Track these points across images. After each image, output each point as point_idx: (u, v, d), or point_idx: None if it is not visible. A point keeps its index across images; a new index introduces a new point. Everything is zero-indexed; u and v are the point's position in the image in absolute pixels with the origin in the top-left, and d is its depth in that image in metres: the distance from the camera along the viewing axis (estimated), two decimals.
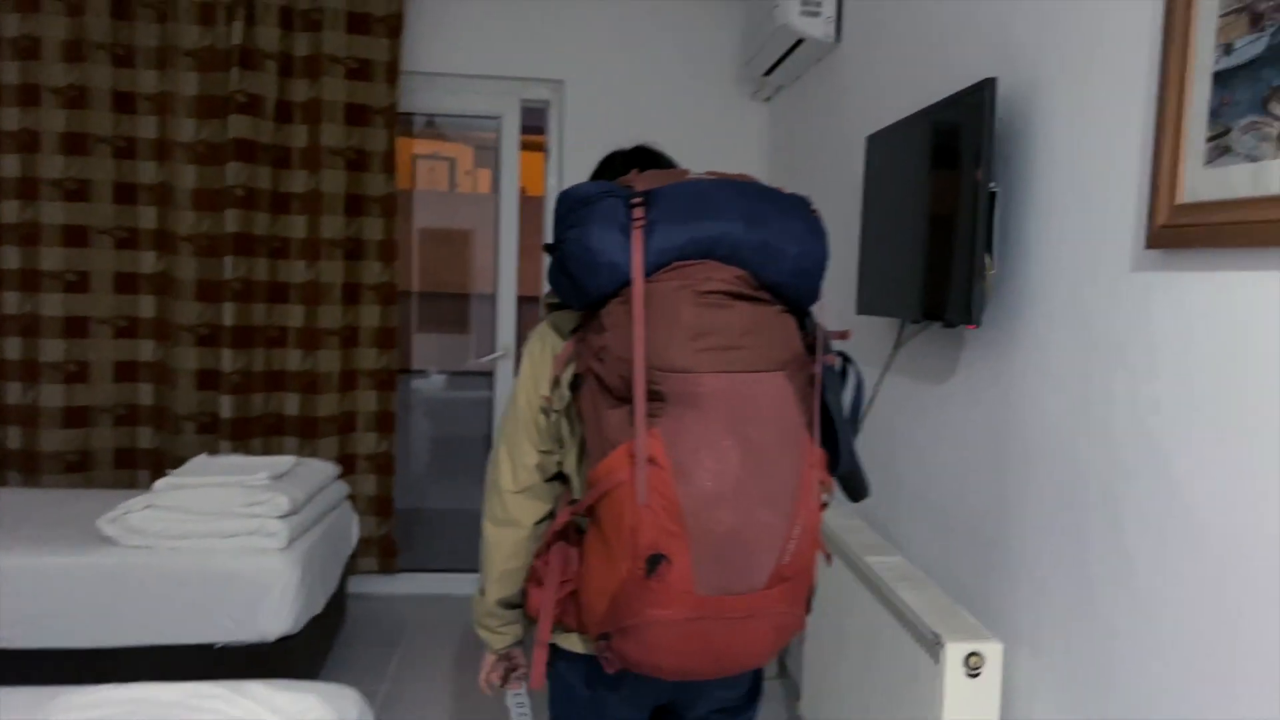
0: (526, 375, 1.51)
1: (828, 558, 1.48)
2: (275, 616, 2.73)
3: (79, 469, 3.86)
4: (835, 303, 2.94)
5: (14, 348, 3.77)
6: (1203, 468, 1.25)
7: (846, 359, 1.49)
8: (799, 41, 3.06)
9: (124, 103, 3.76)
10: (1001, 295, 1.83)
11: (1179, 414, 1.30)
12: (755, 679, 1.64)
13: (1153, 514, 1.35)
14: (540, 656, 1.48)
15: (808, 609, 1.41)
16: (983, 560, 1.89)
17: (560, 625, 1.48)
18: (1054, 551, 1.62)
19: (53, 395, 3.79)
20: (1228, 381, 1.21)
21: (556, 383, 1.47)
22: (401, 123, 4.29)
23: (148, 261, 3.84)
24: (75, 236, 3.76)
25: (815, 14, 2.92)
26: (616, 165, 1.69)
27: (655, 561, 1.26)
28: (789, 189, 3.60)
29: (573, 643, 1.50)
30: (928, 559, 2.16)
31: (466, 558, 4.40)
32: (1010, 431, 1.79)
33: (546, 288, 1.51)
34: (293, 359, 3.89)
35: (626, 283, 1.30)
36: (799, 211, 1.36)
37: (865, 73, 2.73)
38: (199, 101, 3.73)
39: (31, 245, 3.74)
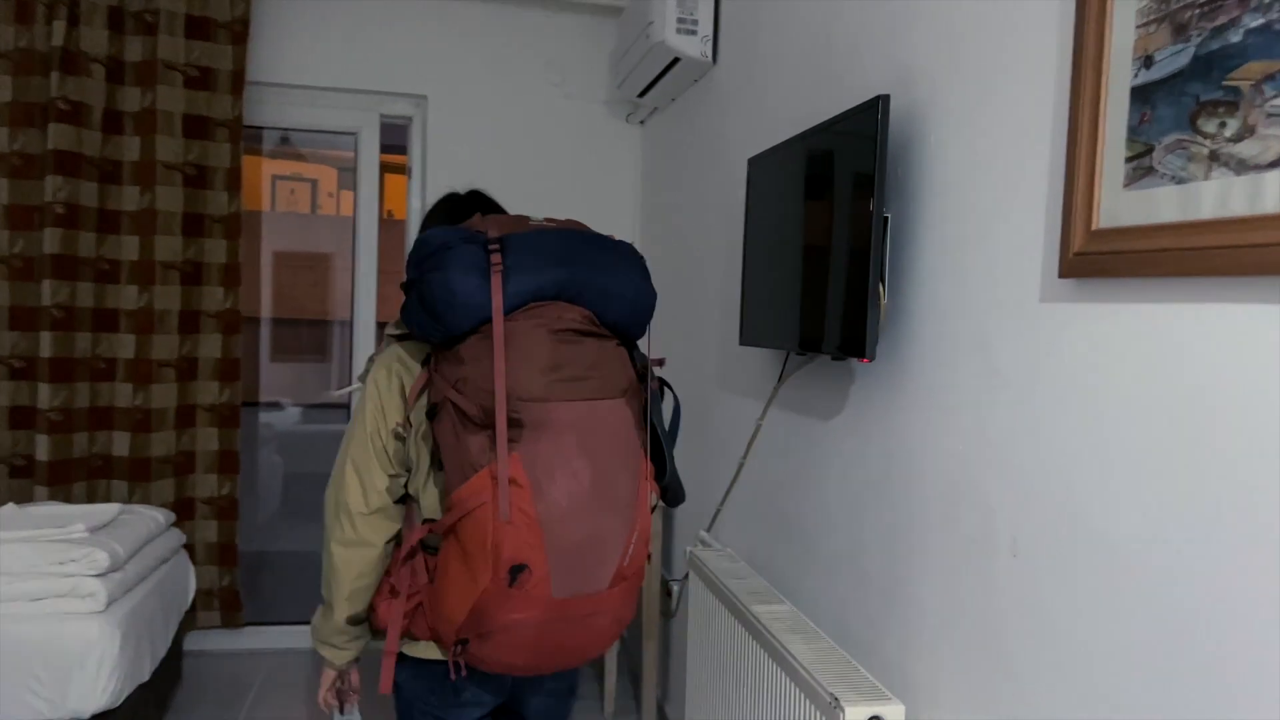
0: (374, 403, 1.60)
1: (649, 558, 1.63)
2: (91, 691, 2.40)
3: None
4: (717, 333, 2.81)
5: None
6: (1119, 508, 1.15)
7: (665, 383, 1.69)
8: (675, 61, 2.94)
9: None
10: (895, 326, 1.72)
11: (1093, 452, 1.20)
12: (576, 673, 1.82)
13: (1064, 556, 1.24)
14: (389, 664, 1.59)
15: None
16: (879, 608, 1.77)
17: (408, 635, 1.61)
18: (955, 597, 1.50)
19: None
20: (1147, 418, 1.11)
21: (407, 411, 1.58)
22: (251, 138, 3.98)
23: None
24: None
25: (692, 32, 2.81)
26: (453, 207, 1.81)
27: (517, 571, 1.41)
28: (667, 214, 3.48)
29: (421, 650, 1.62)
30: (819, 608, 2.03)
31: None
32: (905, 469, 1.68)
33: (395, 319, 1.65)
34: (122, 394, 3.51)
35: (485, 320, 1.43)
36: (633, 260, 1.58)
37: (744, 93, 2.63)
38: (13, 108, 3.34)
39: None
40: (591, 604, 1.48)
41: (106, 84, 3.41)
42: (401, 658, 1.64)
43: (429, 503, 1.60)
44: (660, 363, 1.64)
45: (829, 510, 1.99)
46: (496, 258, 1.44)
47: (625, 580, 1.52)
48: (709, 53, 2.85)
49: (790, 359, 2.22)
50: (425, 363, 1.58)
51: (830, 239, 1.79)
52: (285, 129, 3.87)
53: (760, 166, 2.19)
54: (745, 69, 2.63)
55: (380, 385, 1.61)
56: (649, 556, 1.59)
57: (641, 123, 3.91)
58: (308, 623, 3.98)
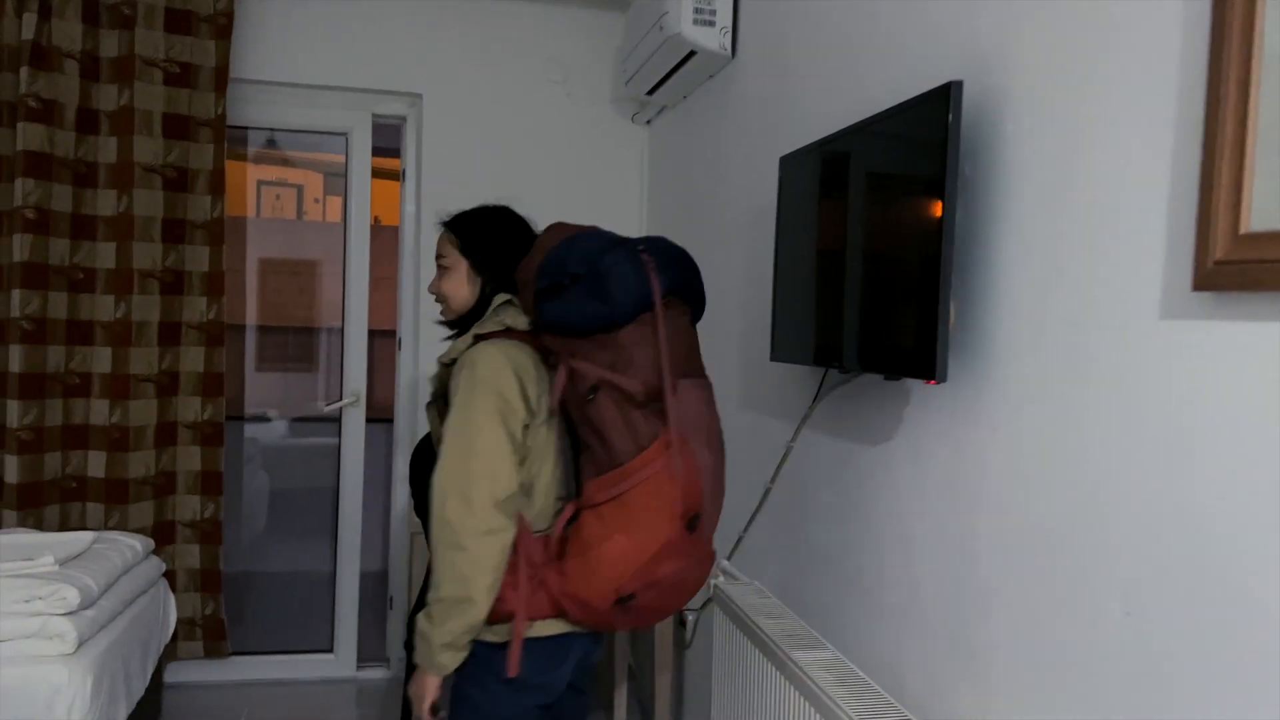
0: (497, 400, 1.70)
1: None
2: None
3: None
4: (738, 347, 2.62)
5: None
6: (1267, 568, 0.96)
7: None
8: (690, 55, 2.75)
9: None
10: (963, 344, 1.53)
11: (1232, 501, 1.01)
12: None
13: (1191, 618, 1.05)
14: (517, 647, 1.72)
15: None
16: (943, 661, 1.58)
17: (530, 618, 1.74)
18: (1044, 657, 1.31)
19: None
20: None
21: (530, 403, 1.74)
22: (236, 142, 3.78)
23: None
24: None
25: (710, 23, 2.62)
26: (511, 220, 2.05)
27: (695, 519, 1.69)
28: (677, 219, 3.28)
29: (537, 629, 1.76)
30: (866, 655, 1.84)
31: (313, 632, 3.87)
32: (973, 506, 1.49)
33: (487, 323, 1.83)
34: (98, 410, 3.29)
35: (644, 309, 1.67)
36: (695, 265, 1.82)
37: (768, 87, 2.44)
38: None
39: None
40: (709, 551, 1.79)
41: (80, 80, 3.20)
42: (502, 645, 1.75)
43: (544, 485, 1.78)
44: None
45: (878, 547, 1.80)
46: (647, 258, 1.68)
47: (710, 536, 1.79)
48: (728, 45, 2.66)
49: (828, 377, 2.03)
50: (545, 362, 1.79)
51: (885, 245, 1.60)
52: (272, 129, 3.66)
53: (794, 165, 2.00)
54: (770, 61, 2.44)
55: (502, 376, 1.71)
56: None
57: (648, 122, 3.72)
58: (298, 652, 3.77)
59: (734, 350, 2.65)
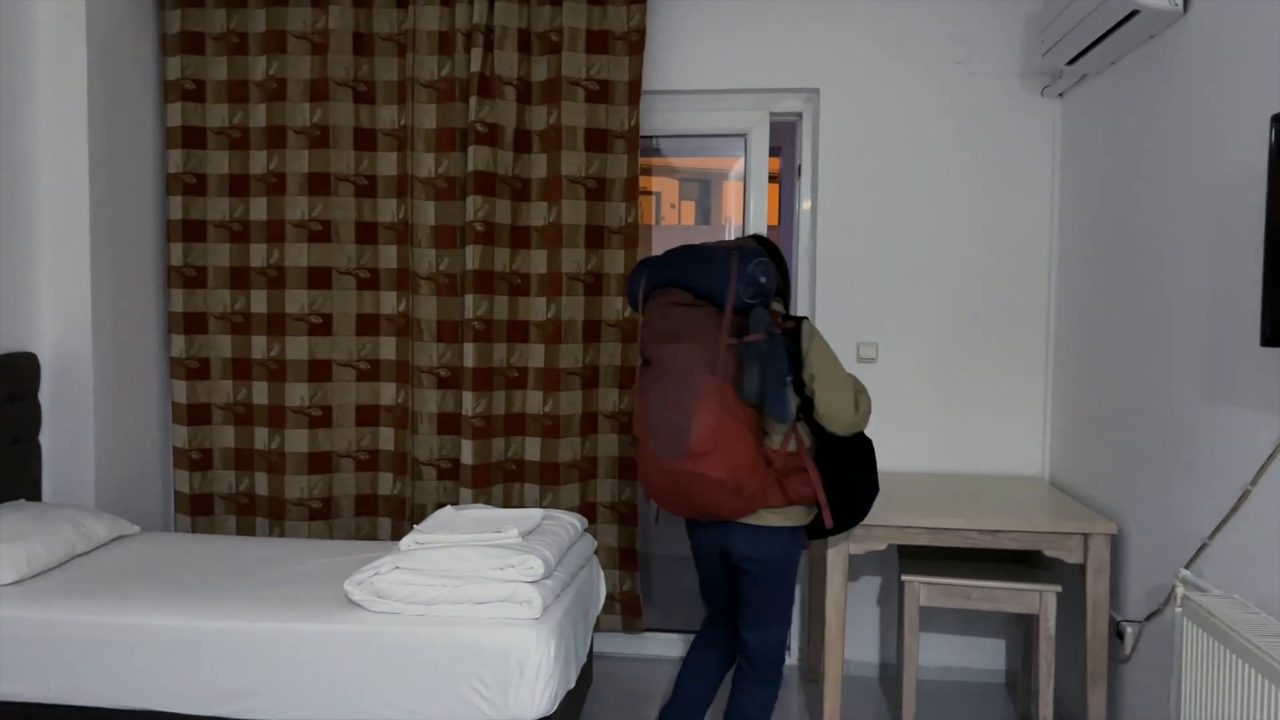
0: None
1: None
2: (530, 698, 2.43)
3: (322, 516, 3.77)
4: (1200, 333, 2.35)
5: (261, 392, 3.74)
6: None
7: (784, 330, 2.45)
8: (1130, 15, 2.52)
9: (364, 140, 3.68)
10: None
11: None
12: (764, 569, 2.55)
13: None
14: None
15: (739, 485, 2.37)
16: None
17: None
18: None
19: (297, 440, 3.72)
20: None
21: None
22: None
23: (389, 302, 3.73)
24: (319, 278, 3.70)
25: None
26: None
27: (634, 441, 2.71)
28: (1101, 195, 3.02)
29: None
30: None
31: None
32: None
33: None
34: (533, 401, 3.65)
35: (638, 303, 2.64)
36: (719, 260, 2.43)
37: (1231, 41, 2.17)
38: (438, 134, 3.58)
39: (277, 288, 3.70)
40: (678, 465, 2.36)
41: (517, 104, 3.56)
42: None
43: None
44: (784, 318, 2.47)
45: None
46: (643, 266, 2.60)
47: (697, 456, 2.33)
48: (1180, 1, 2.40)
49: None
50: None
51: None
52: (676, 134, 3.85)
53: None
54: (1236, 9, 2.17)
55: None
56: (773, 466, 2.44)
57: (1060, 95, 3.47)
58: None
59: (1195, 337, 2.39)
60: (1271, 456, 1.99)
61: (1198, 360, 2.36)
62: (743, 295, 2.37)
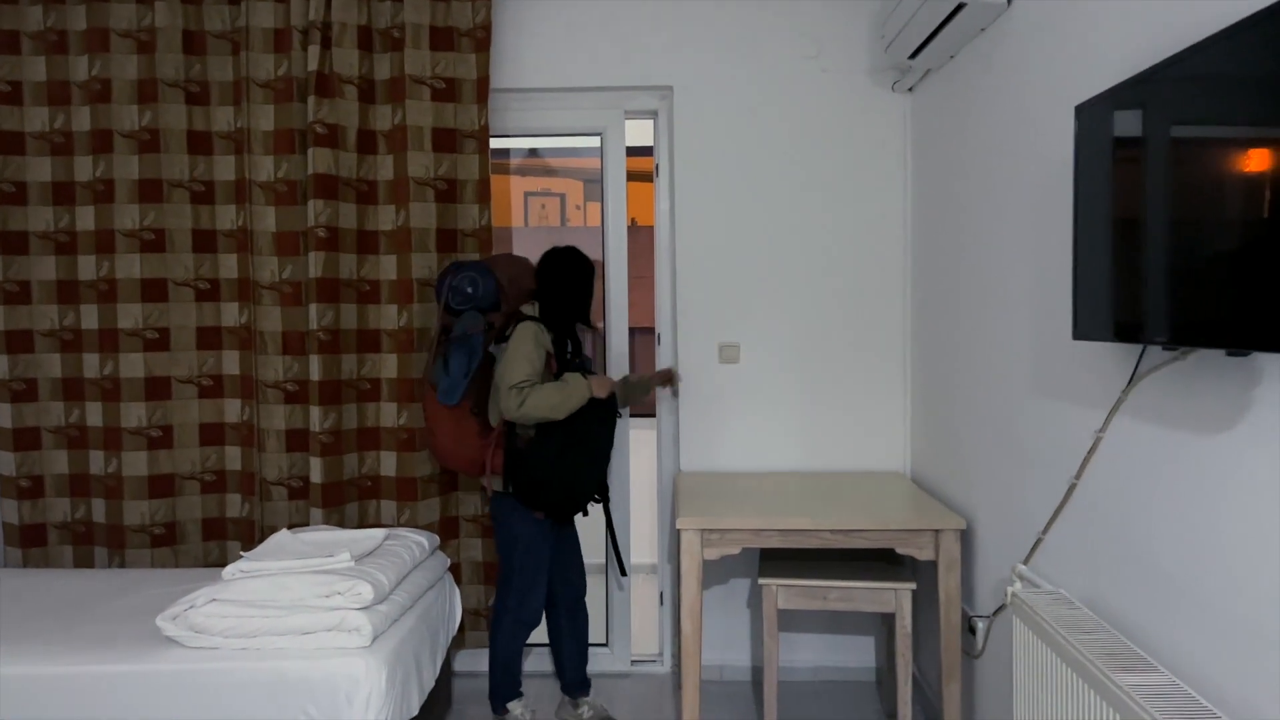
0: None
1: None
2: None
3: (166, 542, 3.55)
4: (1027, 327, 2.35)
5: (95, 413, 3.51)
6: None
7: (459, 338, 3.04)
8: (957, 9, 2.51)
9: (199, 143, 3.48)
10: None
11: None
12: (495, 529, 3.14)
13: None
14: None
15: (450, 453, 3.07)
16: None
17: None
18: None
19: (136, 463, 3.50)
20: None
21: None
22: (500, 155, 3.90)
23: (230, 314, 3.54)
24: (154, 290, 3.48)
25: None
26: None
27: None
28: (945, 189, 3.02)
29: None
30: (1204, 679, 1.56)
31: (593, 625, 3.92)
32: None
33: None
34: (387, 414, 3.50)
35: None
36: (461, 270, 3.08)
37: (1051, 34, 2.17)
38: (276, 135, 3.40)
39: (109, 302, 3.48)
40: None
41: (359, 104, 3.41)
42: None
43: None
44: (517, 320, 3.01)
45: (1221, 552, 1.52)
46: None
47: (426, 431, 3.18)
48: None
49: (1146, 355, 1.75)
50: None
51: (1221, 194, 1.33)
52: (529, 134, 3.74)
53: (1094, 115, 1.74)
54: (1050, 7, 2.16)
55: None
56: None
57: (910, 90, 3.47)
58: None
59: (1022, 330, 2.38)
60: (1091, 450, 1.97)
61: (1027, 354, 2.35)
62: (452, 302, 2.99)
